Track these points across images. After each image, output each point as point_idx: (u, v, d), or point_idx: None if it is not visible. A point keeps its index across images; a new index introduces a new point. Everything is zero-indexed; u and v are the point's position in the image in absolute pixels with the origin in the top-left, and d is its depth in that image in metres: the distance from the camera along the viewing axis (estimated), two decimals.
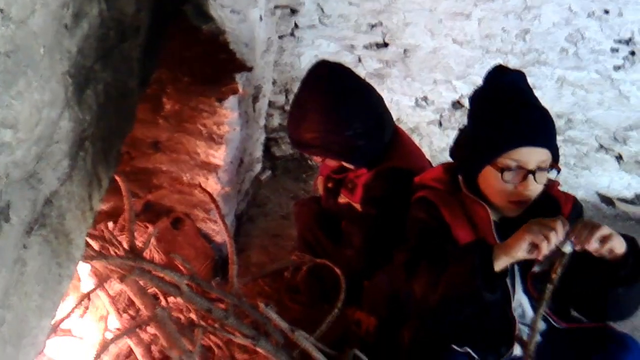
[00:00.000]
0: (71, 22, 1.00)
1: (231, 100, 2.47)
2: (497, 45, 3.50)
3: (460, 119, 3.77)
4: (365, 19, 3.58)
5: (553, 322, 1.78)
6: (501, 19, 3.41)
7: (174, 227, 2.68)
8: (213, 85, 2.37)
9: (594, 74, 3.48)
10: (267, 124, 3.79)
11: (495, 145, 1.66)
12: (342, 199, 2.50)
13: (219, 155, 2.59)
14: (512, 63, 3.49)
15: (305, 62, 3.70)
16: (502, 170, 1.64)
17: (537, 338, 1.69)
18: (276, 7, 3.38)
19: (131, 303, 2.19)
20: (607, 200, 3.87)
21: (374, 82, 3.57)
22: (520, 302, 1.75)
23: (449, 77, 3.69)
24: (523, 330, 1.74)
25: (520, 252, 1.48)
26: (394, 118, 3.78)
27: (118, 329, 2.05)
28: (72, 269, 1.14)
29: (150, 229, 2.47)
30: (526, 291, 1.75)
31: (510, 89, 1.74)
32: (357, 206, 2.40)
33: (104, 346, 1.73)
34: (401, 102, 3.85)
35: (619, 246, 1.47)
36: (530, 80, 3.45)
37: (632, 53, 3.35)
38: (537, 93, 3.47)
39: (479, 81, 1.88)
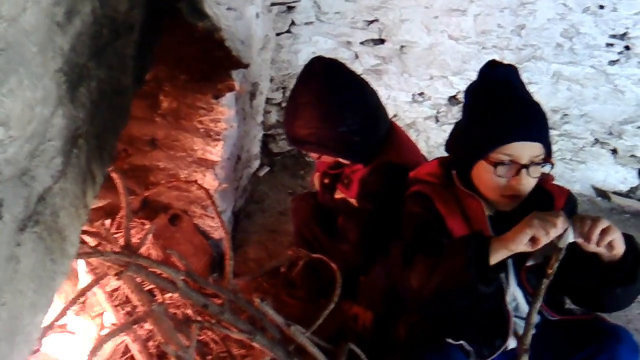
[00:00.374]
0: (63, 20, 0.99)
1: (228, 98, 2.47)
2: (493, 41, 3.51)
3: (457, 114, 3.78)
4: (361, 16, 3.58)
5: (546, 315, 1.79)
6: (497, 15, 3.42)
7: (172, 224, 2.69)
8: (210, 82, 2.37)
9: (589, 69, 3.50)
10: (265, 120, 3.80)
11: (489, 140, 1.67)
12: (339, 195, 2.51)
13: (216, 152, 2.59)
14: (508, 58, 3.50)
15: (303, 59, 3.70)
16: (495, 164, 1.65)
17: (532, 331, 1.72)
18: (273, 4, 3.38)
19: (128, 299, 2.20)
20: (602, 193, 3.89)
21: (371, 79, 3.61)
22: (515, 295, 1.76)
23: (446, 72, 3.70)
24: (518, 324, 1.75)
25: (520, 245, 1.48)
26: (391, 114, 3.82)
27: (114, 325, 2.06)
28: (66, 265, 1.14)
29: (148, 225, 2.48)
30: (520, 284, 1.76)
31: (504, 84, 1.74)
32: (353, 201, 2.41)
33: (100, 342, 1.73)
34: (398, 98, 3.86)
35: (619, 243, 1.46)
36: (526, 76, 3.51)
37: (627, 48, 3.36)
38: (533, 88, 3.54)
39: (475, 77, 1.88)
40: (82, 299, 2.03)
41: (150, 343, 2.10)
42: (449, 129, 3.68)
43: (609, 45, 3.38)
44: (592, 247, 1.45)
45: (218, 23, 2.06)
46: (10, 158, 0.90)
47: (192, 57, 2.19)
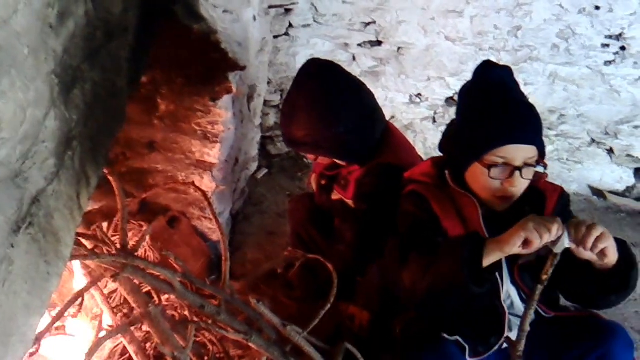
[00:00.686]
0: (56, 22, 1.00)
1: (225, 100, 2.47)
2: (489, 42, 3.53)
3: (454, 115, 3.79)
4: (359, 18, 3.59)
5: (542, 312, 1.79)
6: (493, 16, 3.43)
7: (170, 226, 2.69)
8: (207, 85, 2.37)
9: (585, 70, 3.51)
10: (263, 122, 3.81)
11: (483, 143, 1.68)
12: (335, 196, 2.52)
13: (214, 154, 2.59)
14: (505, 60, 3.52)
15: (301, 61, 3.70)
16: (489, 167, 1.66)
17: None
18: (270, 6, 3.39)
19: (125, 301, 2.21)
20: (599, 193, 3.90)
21: (368, 80, 3.62)
22: (509, 293, 1.77)
23: (443, 74, 3.71)
24: (513, 321, 1.76)
25: (514, 248, 1.48)
26: (389, 115, 3.84)
27: (111, 327, 2.07)
28: (60, 267, 1.14)
29: (144, 227, 2.49)
30: (514, 282, 1.76)
31: (497, 86, 1.75)
32: (350, 202, 2.42)
33: (98, 344, 1.74)
34: (395, 99, 3.88)
35: (611, 251, 1.47)
36: (522, 77, 3.53)
37: (623, 48, 3.38)
38: (529, 89, 3.55)
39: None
40: (79, 301, 2.04)
41: (148, 345, 2.10)
42: None
43: (605, 45, 3.40)
44: (585, 254, 1.46)
45: (214, 25, 2.06)
46: (2, 160, 0.91)
47: (188, 60, 2.19)
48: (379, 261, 2.25)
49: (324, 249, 2.51)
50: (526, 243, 1.45)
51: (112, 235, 2.31)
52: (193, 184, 2.33)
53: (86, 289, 1.85)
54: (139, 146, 2.61)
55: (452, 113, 3.82)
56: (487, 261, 1.53)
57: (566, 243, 1.44)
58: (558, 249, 1.45)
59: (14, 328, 1.02)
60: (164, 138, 2.58)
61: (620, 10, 3.24)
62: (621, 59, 3.41)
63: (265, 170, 3.85)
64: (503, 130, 1.65)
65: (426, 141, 3.96)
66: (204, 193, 2.22)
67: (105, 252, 1.77)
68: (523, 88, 3.51)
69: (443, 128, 3.83)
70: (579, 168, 3.88)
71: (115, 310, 2.17)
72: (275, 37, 3.65)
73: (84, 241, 1.86)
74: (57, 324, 1.87)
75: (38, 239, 1.03)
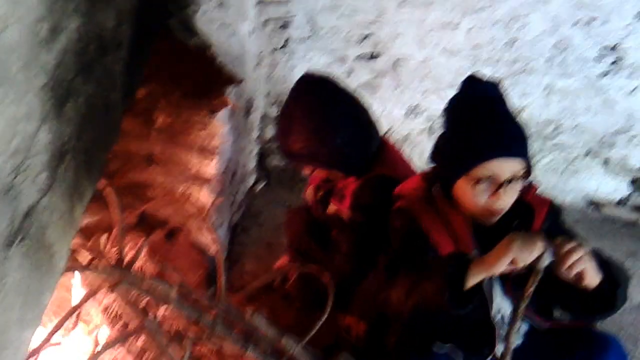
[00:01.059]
0: (48, 37, 1.00)
1: (222, 113, 2.49)
2: (485, 54, 3.54)
3: None
4: (355, 31, 3.61)
5: (535, 322, 1.79)
6: (489, 29, 3.45)
7: (169, 239, 2.70)
8: (204, 98, 2.39)
9: (580, 81, 3.52)
10: (261, 135, 3.83)
11: (469, 158, 1.67)
12: (332, 208, 2.52)
13: (211, 167, 2.60)
14: (501, 72, 3.54)
15: (298, 74, 3.61)
16: (475, 182, 1.66)
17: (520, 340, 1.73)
18: (267, 20, 3.42)
19: (121, 314, 2.21)
20: (594, 204, 3.90)
21: (365, 93, 3.65)
22: (500, 306, 1.76)
23: (439, 86, 3.72)
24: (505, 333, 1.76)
25: (500, 269, 1.49)
26: (386, 128, 3.85)
27: (109, 339, 2.08)
28: (54, 280, 1.14)
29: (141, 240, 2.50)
30: (506, 294, 1.76)
31: (483, 100, 1.74)
32: (346, 214, 2.43)
33: (94, 357, 1.75)
34: (392, 112, 3.88)
35: (589, 274, 1.47)
36: (518, 89, 3.55)
37: (618, 60, 3.40)
38: (525, 101, 3.57)
39: None
40: (76, 314, 2.04)
41: (145, 356, 2.10)
42: None
43: (600, 57, 3.41)
44: (563, 275, 1.47)
45: (210, 40, 2.08)
46: None
47: (185, 74, 2.21)
48: (374, 273, 2.27)
49: (321, 261, 2.52)
50: (512, 262, 1.47)
51: (111, 248, 2.32)
52: (190, 197, 2.34)
53: (83, 301, 1.86)
54: (137, 159, 2.63)
55: None
56: (470, 282, 1.54)
57: (548, 260, 1.45)
58: (540, 266, 1.46)
59: (8, 342, 1.02)
60: (162, 151, 2.59)
61: (615, 21, 3.27)
62: (616, 70, 3.43)
63: (263, 183, 3.86)
64: (489, 145, 1.65)
65: (423, 153, 3.96)
66: (201, 207, 2.23)
67: (102, 264, 1.77)
68: (519, 100, 3.58)
69: None
70: (575, 179, 3.88)
71: (112, 322, 2.17)
72: (273, 50, 3.67)
73: (81, 254, 1.88)
74: (55, 336, 1.87)
75: (31, 253, 1.03)
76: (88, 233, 2.42)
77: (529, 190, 1.81)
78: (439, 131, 1.90)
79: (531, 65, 3.54)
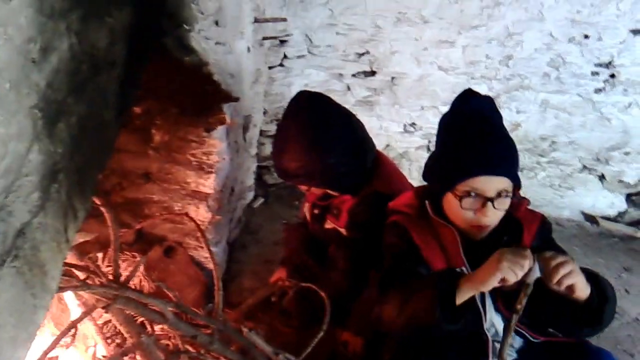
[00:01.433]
0: (39, 57, 1.00)
1: (220, 130, 2.49)
2: (481, 71, 3.58)
3: None
4: (352, 49, 3.65)
5: (530, 337, 1.79)
6: (485, 46, 3.50)
7: (166, 256, 2.70)
8: (201, 115, 2.39)
9: (576, 97, 3.57)
10: (259, 152, 3.84)
11: (454, 174, 1.69)
12: (329, 225, 2.54)
13: (209, 184, 2.61)
14: (497, 88, 3.57)
15: (296, 91, 3.67)
16: (460, 197, 1.67)
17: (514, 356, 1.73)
18: (265, 38, 3.45)
19: (119, 331, 2.21)
20: (591, 219, 3.92)
21: (363, 110, 3.68)
22: (493, 321, 1.77)
23: (436, 103, 3.76)
24: (498, 348, 1.76)
25: (490, 287, 1.51)
26: (384, 144, 3.87)
27: (105, 357, 2.07)
28: (47, 299, 1.13)
29: (138, 258, 2.50)
30: (498, 310, 1.77)
31: (474, 116, 1.75)
32: (343, 231, 2.44)
33: None
34: (390, 129, 3.92)
35: (579, 287, 1.49)
36: (514, 105, 3.57)
37: (612, 76, 3.44)
38: (521, 117, 3.60)
39: None
40: (72, 332, 2.05)
41: None
42: None
43: (595, 73, 3.46)
44: (553, 287, 1.49)
45: (206, 57, 2.09)
46: None
47: (182, 91, 2.21)
48: (367, 289, 2.28)
49: (319, 276, 2.53)
50: (502, 280, 1.48)
51: (107, 266, 2.32)
52: (187, 214, 2.35)
53: (79, 319, 1.85)
54: (135, 176, 2.63)
55: None
56: (460, 299, 1.56)
57: (537, 273, 1.48)
58: (530, 280, 1.48)
59: None
60: (159, 168, 2.60)
61: (609, 38, 3.31)
62: (611, 87, 3.47)
63: (261, 200, 3.87)
64: (474, 162, 1.66)
65: (421, 169, 3.92)
66: (196, 223, 2.24)
67: (97, 283, 1.77)
68: (515, 116, 3.61)
69: None
70: (571, 194, 3.91)
71: (108, 340, 2.17)
72: (270, 67, 3.70)
73: (76, 272, 1.88)
74: (51, 354, 1.87)
75: (24, 272, 1.03)
76: (84, 250, 2.42)
77: (519, 205, 1.81)
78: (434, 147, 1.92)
79: (526, 82, 3.58)
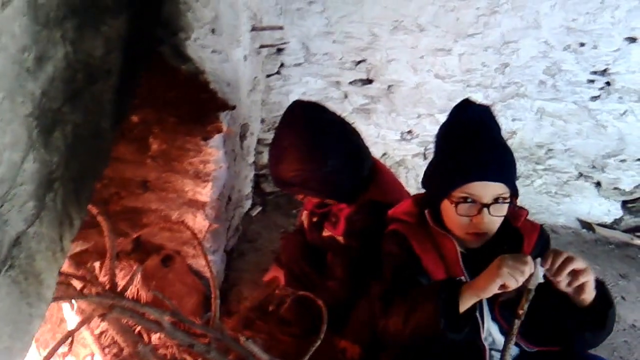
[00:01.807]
0: (34, 66, 1.00)
1: (217, 139, 2.49)
2: (477, 79, 3.59)
3: None
4: (349, 57, 3.65)
5: (524, 346, 1.79)
6: (481, 54, 3.50)
7: (164, 265, 2.69)
8: (198, 124, 2.39)
9: (572, 105, 3.58)
10: (257, 160, 3.84)
11: (450, 180, 1.70)
12: (326, 233, 2.54)
13: (206, 193, 2.60)
14: (493, 96, 3.58)
15: (293, 99, 3.73)
16: (456, 204, 1.68)
17: None
18: (262, 46, 3.45)
19: (115, 341, 2.21)
20: (587, 225, 3.93)
21: (360, 117, 3.68)
22: (490, 330, 1.77)
23: (432, 110, 3.76)
24: (495, 357, 1.76)
25: (491, 293, 1.51)
26: (381, 152, 3.88)
27: None
28: (43, 308, 1.12)
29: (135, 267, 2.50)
30: (495, 319, 1.77)
31: (471, 123, 1.76)
32: (340, 239, 2.44)
33: None
34: (387, 136, 3.92)
35: (589, 287, 1.48)
36: (510, 113, 3.58)
37: (608, 84, 3.45)
38: (517, 124, 3.61)
39: None
40: (69, 341, 2.04)
41: None
42: None
43: (590, 81, 3.47)
44: (561, 286, 1.48)
45: (202, 66, 2.10)
46: None
47: (178, 100, 2.21)
48: (367, 298, 2.27)
49: (318, 284, 2.53)
50: (502, 286, 1.48)
51: (105, 275, 2.32)
52: (183, 223, 2.35)
53: (76, 329, 1.85)
54: (133, 185, 2.63)
55: None
56: (463, 306, 1.56)
57: (540, 278, 1.47)
58: (532, 285, 1.47)
59: None
60: (157, 177, 2.60)
61: (604, 46, 3.33)
62: (606, 94, 3.49)
63: (259, 208, 3.87)
64: (469, 168, 1.67)
65: (418, 177, 3.98)
66: (193, 232, 2.24)
67: (94, 292, 1.77)
68: (511, 124, 3.62)
69: None
70: (567, 201, 3.92)
71: (106, 350, 2.17)
72: (268, 76, 3.70)
73: (73, 281, 1.88)
74: None
75: (19, 281, 1.03)
76: (82, 260, 2.42)
77: (518, 216, 1.81)
78: (432, 155, 1.93)
79: (522, 90, 3.59)
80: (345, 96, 3.82)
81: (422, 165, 3.97)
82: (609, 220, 3.94)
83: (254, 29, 3.10)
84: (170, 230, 2.72)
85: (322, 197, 2.45)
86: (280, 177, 2.35)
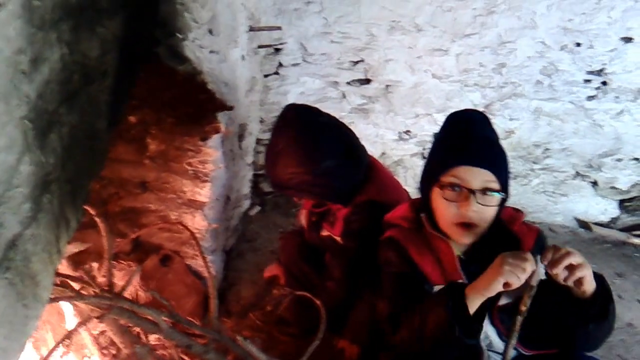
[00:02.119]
0: (29, 68, 1.00)
1: (215, 139, 2.50)
2: (474, 79, 3.60)
3: None
4: (347, 57, 3.66)
5: (520, 350, 1.78)
6: (478, 54, 3.51)
7: (163, 265, 2.69)
8: (196, 124, 2.39)
9: (568, 105, 3.58)
10: (256, 160, 3.84)
11: (438, 165, 1.72)
12: (324, 232, 2.55)
13: (205, 193, 2.61)
14: (490, 96, 3.59)
15: (292, 99, 3.76)
16: (444, 188, 1.69)
17: None
18: (260, 46, 3.46)
19: (114, 342, 2.21)
20: (584, 224, 3.95)
21: (358, 117, 3.69)
22: (487, 333, 1.77)
23: (430, 110, 3.77)
24: (492, 357, 1.76)
25: (495, 292, 1.51)
26: (379, 152, 3.88)
27: None
28: (39, 310, 1.12)
29: (134, 267, 2.50)
30: (493, 323, 1.76)
31: (465, 121, 1.79)
32: (338, 239, 2.45)
33: None
34: (385, 136, 3.92)
35: (588, 280, 1.49)
36: (507, 112, 3.60)
37: (604, 83, 3.46)
38: (514, 124, 3.62)
39: None
40: (67, 342, 2.04)
41: None
42: None
43: (587, 81, 3.48)
44: (559, 279, 1.48)
45: (199, 66, 2.10)
46: None
47: (176, 100, 2.21)
48: (366, 298, 2.28)
49: (316, 284, 2.54)
50: (505, 284, 1.48)
51: (103, 276, 2.32)
52: (181, 223, 2.35)
53: (74, 330, 1.86)
54: (132, 186, 2.63)
55: None
56: (472, 308, 1.56)
57: (542, 274, 1.48)
58: (534, 282, 1.48)
59: None
60: (156, 178, 2.60)
61: (600, 46, 3.33)
62: (603, 94, 3.49)
63: (258, 208, 3.87)
64: (457, 152, 1.69)
65: (416, 177, 3.98)
66: (191, 232, 2.24)
67: (92, 293, 1.78)
68: (508, 123, 3.63)
69: None
70: (564, 200, 3.93)
71: (104, 350, 2.17)
72: (266, 76, 3.71)
73: (71, 282, 1.88)
74: None
75: (15, 283, 1.03)
76: (80, 261, 2.43)
77: (515, 219, 1.82)
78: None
79: (519, 90, 3.59)
80: (343, 96, 3.82)
81: (420, 165, 3.97)
82: (605, 219, 3.95)
83: (251, 29, 3.10)
84: (169, 230, 2.72)
85: (317, 200, 2.46)
86: (276, 180, 2.36)
